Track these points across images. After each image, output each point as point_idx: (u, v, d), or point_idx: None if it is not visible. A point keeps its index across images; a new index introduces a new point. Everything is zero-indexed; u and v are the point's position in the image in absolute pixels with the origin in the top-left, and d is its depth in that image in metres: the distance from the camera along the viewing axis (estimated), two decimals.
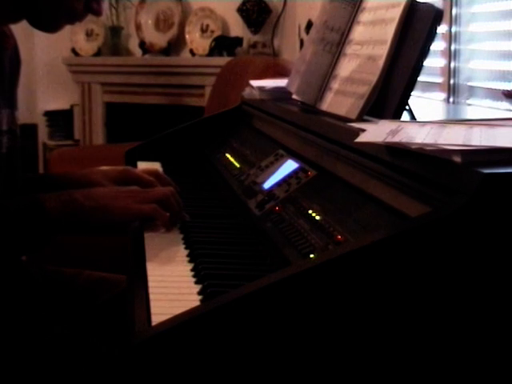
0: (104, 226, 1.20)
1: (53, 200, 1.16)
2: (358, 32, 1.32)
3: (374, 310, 0.78)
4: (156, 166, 1.76)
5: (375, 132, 1.00)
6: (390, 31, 1.21)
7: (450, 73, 2.02)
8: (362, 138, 0.99)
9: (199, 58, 4.12)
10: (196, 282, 0.99)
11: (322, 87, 1.36)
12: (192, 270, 1.04)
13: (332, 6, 1.42)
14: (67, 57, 4.67)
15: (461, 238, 0.78)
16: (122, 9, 4.52)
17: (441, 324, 0.79)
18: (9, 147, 1.35)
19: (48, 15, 1.30)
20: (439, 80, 2.08)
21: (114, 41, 4.58)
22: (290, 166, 1.34)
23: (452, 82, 2.01)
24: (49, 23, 1.32)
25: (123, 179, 1.41)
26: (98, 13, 1.32)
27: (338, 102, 1.29)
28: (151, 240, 1.17)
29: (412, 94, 1.18)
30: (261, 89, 1.73)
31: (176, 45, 4.32)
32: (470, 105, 1.93)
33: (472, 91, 1.95)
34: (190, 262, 1.08)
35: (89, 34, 4.63)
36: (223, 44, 3.96)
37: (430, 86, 2.13)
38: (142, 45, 4.43)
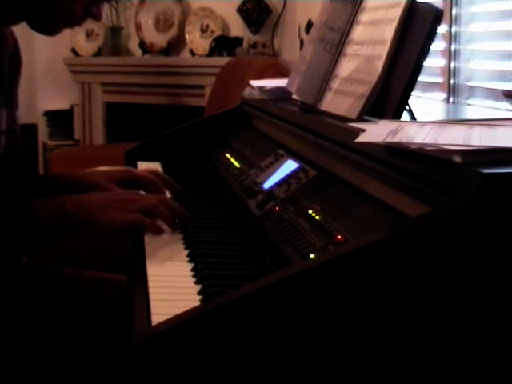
0: (93, 234, 1.21)
1: (43, 206, 1.17)
2: (358, 32, 1.32)
3: (374, 310, 0.78)
4: (156, 166, 1.76)
5: (375, 132, 1.00)
6: (389, 31, 1.21)
7: (449, 73, 2.02)
8: (362, 138, 0.99)
9: (199, 58, 4.12)
10: (196, 282, 0.99)
11: (322, 87, 1.36)
12: (192, 270, 1.04)
13: (332, 6, 1.42)
14: (67, 57, 4.67)
15: (461, 238, 0.78)
16: (122, 9, 4.52)
17: (441, 324, 0.79)
18: (6, 147, 1.35)
19: (47, 19, 1.30)
20: (439, 80, 2.08)
21: (113, 41, 4.58)
22: (290, 165, 1.34)
23: (452, 82, 2.01)
24: (48, 27, 1.32)
25: (125, 180, 1.42)
26: (97, 17, 1.32)
27: (338, 102, 1.29)
28: (151, 240, 1.17)
29: (412, 93, 1.18)
30: (261, 89, 1.73)
31: (176, 45, 4.32)
32: (470, 105, 1.93)
33: (472, 91, 1.95)
34: (190, 261, 1.08)
35: (89, 34, 4.63)
36: (223, 44, 3.96)
37: (430, 86, 2.13)
38: (142, 45, 4.43)
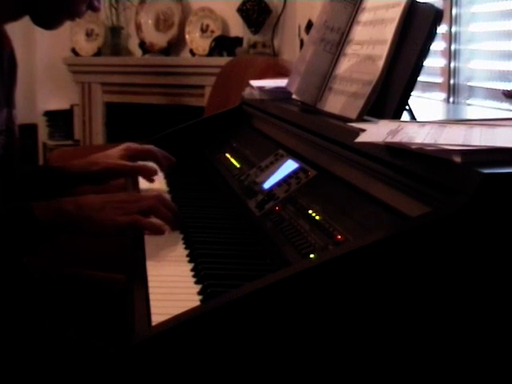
0: (92, 234, 1.21)
1: (42, 208, 1.17)
2: (358, 32, 1.32)
3: (373, 310, 0.78)
4: (156, 166, 1.76)
5: (375, 132, 1.00)
6: (389, 31, 1.21)
7: (449, 73, 2.02)
8: (362, 138, 0.99)
9: (199, 57, 4.12)
10: (196, 282, 0.99)
11: (322, 87, 1.36)
12: (192, 270, 1.04)
13: (332, 5, 1.42)
14: (67, 57, 4.67)
15: (461, 238, 0.78)
16: (122, 9, 4.52)
17: (441, 324, 0.79)
18: (5, 146, 1.36)
19: (49, 12, 1.32)
20: (439, 80, 2.08)
21: (114, 41, 4.58)
22: (289, 165, 1.34)
23: (452, 82, 2.01)
24: (49, 20, 1.35)
25: (126, 156, 1.57)
26: (96, 9, 1.36)
27: (338, 101, 1.29)
28: (151, 240, 1.17)
29: (412, 93, 1.18)
30: (261, 89, 1.73)
31: (176, 45, 4.32)
32: (469, 105, 1.93)
33: (472, 91, 1.95)
34: (190, 261, 1.08)
35: (89, 34, 4.63)
36: (223, 44, 3.96)
37: (430, 86, 2.13)
38: (142, 45, 4.43)
